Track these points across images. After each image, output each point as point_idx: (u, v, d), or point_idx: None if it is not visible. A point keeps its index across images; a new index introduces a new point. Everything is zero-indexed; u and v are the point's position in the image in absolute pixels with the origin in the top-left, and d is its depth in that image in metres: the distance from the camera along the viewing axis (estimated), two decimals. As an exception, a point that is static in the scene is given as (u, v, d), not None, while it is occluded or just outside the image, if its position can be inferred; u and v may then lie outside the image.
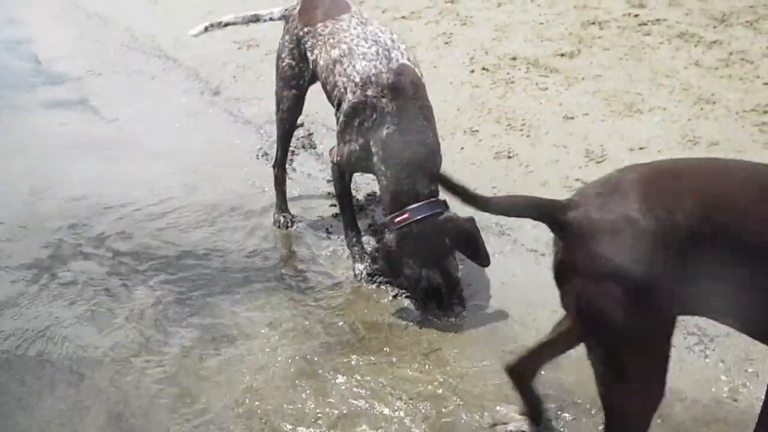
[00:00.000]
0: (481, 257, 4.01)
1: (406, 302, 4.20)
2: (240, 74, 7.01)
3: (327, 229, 4.88)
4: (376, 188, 4.36)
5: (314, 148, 5.75)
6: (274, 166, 4.99)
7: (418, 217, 3.90)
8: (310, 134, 5.93)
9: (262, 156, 5.75)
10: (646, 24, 6.90)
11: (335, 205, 5.02)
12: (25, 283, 4.53)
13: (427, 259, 3.99)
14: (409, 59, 4.14)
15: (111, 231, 5.03)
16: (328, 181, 5.30)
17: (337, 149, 4.28)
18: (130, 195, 5.42)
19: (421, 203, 3.92)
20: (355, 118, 4.08)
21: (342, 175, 4.36)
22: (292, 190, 5.25)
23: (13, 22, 9.32)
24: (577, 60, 6.38)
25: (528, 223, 4.55)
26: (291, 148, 5.62)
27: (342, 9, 4.43)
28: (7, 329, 4.15)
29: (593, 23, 6.99)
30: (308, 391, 3.63)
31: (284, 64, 4.63)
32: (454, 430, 3.40)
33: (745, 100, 5.52)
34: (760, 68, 5.93)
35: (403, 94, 3.98)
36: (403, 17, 7.39)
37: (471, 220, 4.01)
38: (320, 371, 3.76)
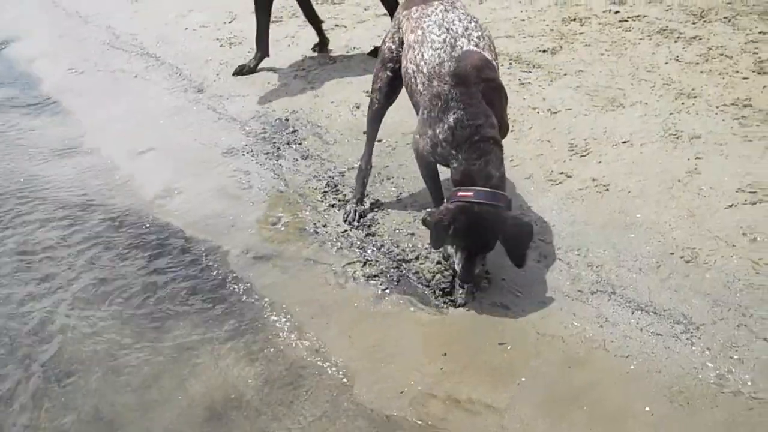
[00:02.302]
0: (520, 261, 3.97)
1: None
2: (223, 71, 7.00)
3: (314, 224, 4.89)
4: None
5: (300, 144, 5.75)
6: (360, 159, 4.95)
7: (481, 200, 3.89)
8: (295, 131, 5.93)
9: (248, 153, 5.74)
10: (626, 20, 6.96)
11: (323, 201, 5.07)
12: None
13: (468, 243, 3.95)
14: (477, 45, 4.14)
15: (95, 229, 5.04)
16: (315, 177, 5.33)
17: (415, 141, 4.28)
18: (111, 194, 5.44)
19: (490, 190, 3.91)
20: (425, 111, 4.12)
21: (425, 164, 4.32)
22: (278, 186, 5.27)
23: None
24: (559, 56, 6.43)
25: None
26: (276, 145, 5.66)
27: None
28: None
29: (574, 19, 7.04)
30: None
31: (385, 47, 4.66)
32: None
33: (724, 95, 5.59)
34: (739, 63, 6.00)
35: (466, 80, 3.99)
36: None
37: (530, 225, 4.05)
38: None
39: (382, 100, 4.73)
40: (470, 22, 4.27)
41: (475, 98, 3.97)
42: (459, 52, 4.08)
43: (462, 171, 3.96)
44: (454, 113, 3.97)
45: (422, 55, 4.18)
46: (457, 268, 4.03)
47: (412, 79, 4.26)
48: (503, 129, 4.18)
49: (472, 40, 4.16)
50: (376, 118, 4.81)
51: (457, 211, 3.90)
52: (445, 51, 4.10)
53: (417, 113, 4.32)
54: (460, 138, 3.95)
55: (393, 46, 4.60)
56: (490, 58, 4.17)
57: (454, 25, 4.21)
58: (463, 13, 4.34)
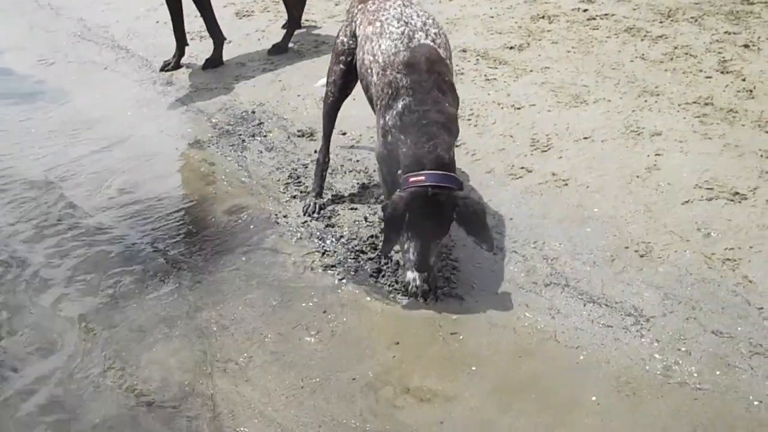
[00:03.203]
0: (487, 242, 3.93)
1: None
2: (192, 64, 7.01)
3: (276, 215, 4.91)
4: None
5: (265, 136, 5.77)
6: (318, 152, 4.97)
7: (434, 183, 3.84)
8: (261, 123, 5.96)
9: (213, 144, 5.76)
10: (594, 18, 7.02)
11: (285, 192, 5.09)
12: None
13: (423, 229, 3.92)
14: (434, 41, 4.16)
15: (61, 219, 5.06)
16: (278, 169, 5.36)
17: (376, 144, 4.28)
18: (80, 183, 5.45)
19: (440, 172, 3.86)
20: (378, 102, 4.13)
21: (384, 165, 4.26)
22: (241, 177, 5.29)
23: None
24: (526, 52, 6.48)
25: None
26: (242, 137, 5.68)
27: None
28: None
29: (543, 17, 7.10)
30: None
31: (338, 40, 4.70)
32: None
33: (687, 93, 5.66)
34: (702, 62, 6.07)
35: (417, 68, 4.00)
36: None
37: (483, 204, 4.04)
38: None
39: (336, 93, 4.74)
40: (428, 19, 4.31)
41: (425, 86, 3.98)
42: (415, 43, 4.11)
43: (411, 156, 3.91)
44: (402, 100, 3.98)
45: (380, 46, 4.20)
46: (412, 257, 3.99)
47: (368, 70, 4.28)
48: (454, 123, 4.12)
49: (430, 35, 4.19)
50: (331, 111, 4.83)
51: (410, 197, 3.84)
52: (402, 42, 4.13)
53: (373, 110, 4.33)
54: (408, 122, 3.94)
55: (345, 39, 4.64)
56: (444, 56, 4.19)
57: (412, 19, 4.25)
58: (420, 10, 4.38)
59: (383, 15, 4.32)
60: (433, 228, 3.94)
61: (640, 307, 3.94)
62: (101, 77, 7.20)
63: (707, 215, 4.46)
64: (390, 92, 4.04)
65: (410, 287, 4.10)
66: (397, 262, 4.32)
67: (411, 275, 4.07)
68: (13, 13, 8.94)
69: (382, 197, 4.46)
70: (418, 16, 4.29)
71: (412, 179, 3.87)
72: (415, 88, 3.98)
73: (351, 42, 4.59)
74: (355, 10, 4.62)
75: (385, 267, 4.35)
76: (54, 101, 6.78)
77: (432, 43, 4.16)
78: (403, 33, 4.16)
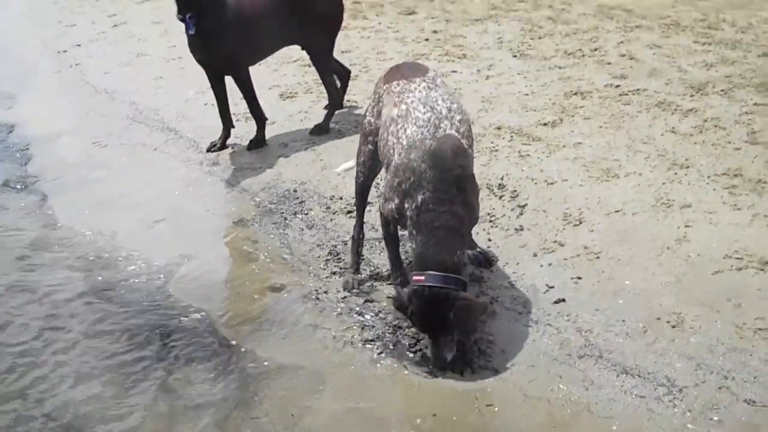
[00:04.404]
0: (465, 335, 4.18)
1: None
2: (237, 145, 7.24)
3: (316, 291, 5.04)
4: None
5: (306, 214, 5.93)
6: (354, 227, 5.13)
7: (433, 284, 4.02)
8: (302, 201, 6.13)
9: (257, 222, 5.95)
10: (626, 94, 7.15)
11: (325, 268, 5.23)
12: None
13: (425, 327, 4.16)
14: (458, 130, 4.30)
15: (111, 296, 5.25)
16: (318, 246, 5.50)
17: (382, 205, 4.45)
18: (129, 257, 5.68)
19: (441, 274, 4.03)
20: (395, 179, 4.25)
21: (387, 225, 4.57)
22: (283, 254, 5.45)
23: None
24: (559, 128, 6.61)
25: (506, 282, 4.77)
26: (284, 215, 5.85)
27: (420, 73, 4.67)
28: None
29: (576, 93, 7.25)
30: None
31: (365, 121, 4.84)
32: None
33: (716, 165, 5.74)
34: (732, 134, 6.16)
35: (441, 163, 4.13)
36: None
37: (486, 304, 4.27)
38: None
39: (366, 173, 4.89)
40: (453, 104, 4.42)
41: (446, 183, 4.11)
42: (441, 133, 4.23)
43: (418, 254, 4.12)
44: (423, 194, 4.10)
45: (405, 130, 4.30)
46: (428, 353, 4.22)
47: (391, 150, 4.38)
48: (471, 215, 4.30)
49: (454, 124, 4.31)
50: (362, 190, 4.98)
51: (411, 295, 4.07)
52: (428, 130, 4.24)
53: (386, 169, 4.46)
54: (423, 221, 4.09)
55: (372, 120, 4.76)
56: (466, 145, 4.32)
57: (438, 104, 4.37)
58: (445, 93, 4.50)
59: (408, 98, 4.44)
60: (434, 325, 4.10)
61: (672, 377, 3.99)
62: (151, 158, 7.44)
63: (737, 285, 4.52)
64: (412, 179, 4.15)
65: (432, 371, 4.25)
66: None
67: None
68: (72, 98, 9.28)
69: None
70: (443, 100, 4.40)
71: (415, 278, 4.08)
72: (436, 184, 4.10)
73: (378, 122, 4.69)
74: (381, 90, 4.74)
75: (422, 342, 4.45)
76: (106, 181, 7.03)
77: (457, 133, 4.28)
78: (429, 120, 4.27)
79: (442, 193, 4.10)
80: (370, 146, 4.79)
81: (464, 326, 4.09)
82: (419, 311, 4.07)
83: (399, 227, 4.57)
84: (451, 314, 4.00)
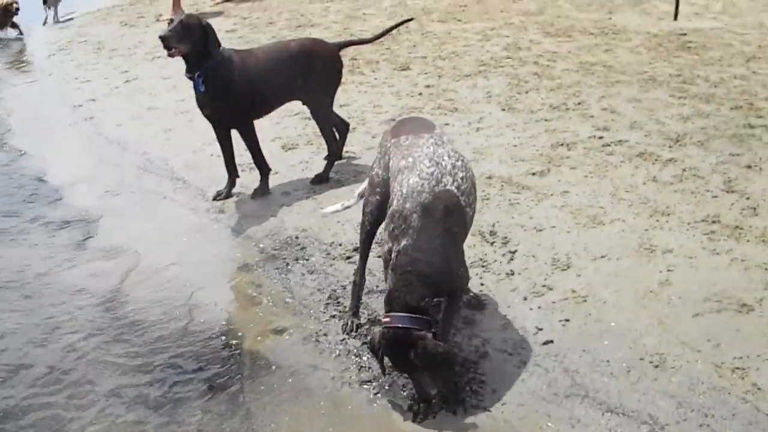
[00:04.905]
0: (444, 385, 4.18)
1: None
2: (243, 194, 7.27)
3: (316, 333, 5.04)
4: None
5: (307, 260, 5.95)
6: (354, 273, 5.11)
7: (398, 325, 4.01)
8: (304, 248, 6.14)
9: (260, 268, 5.96)
10: (609, 145, 7.20)
11: (325, 312, 5.23)
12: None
13: (394, 365, 4.18)
14: (458, 187, 4.27)
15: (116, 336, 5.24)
16: (319, 290, 5.51)
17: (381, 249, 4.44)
18: (136, 299, 5.71)
19: (405, 314, 4.01)
20: (390, 224, 4.24)
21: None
22: (285, 297, 5.45)
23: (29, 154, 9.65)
24: (547, 178, 6.65)
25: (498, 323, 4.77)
26: (286, 261, 5.86)
27: (427, 129, 4.70)
28: None
29: (562, 144, 7.29)
30: None
31: (373, 173, 4.82)
32: None
33: (696, 212, 5.77)
34: (709, 183, 6.20)
35: (432, 215, 4.12)
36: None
37: (447, 348, 4.15)
38: None
39: (372, 222, 4.84)
40: (458, 161, 4.40)
41: (431, 234, 4.09)
42: (441, 188, 4.21)
43: (387, 295, 4.12)
44: (406, 240, 4.09)
45: (408, 180, 4.29)
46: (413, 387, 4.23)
47: (393, 198, 4.38)
48: (456, 271, 4.29)
49: (456, 180, 4.29)
50: (367, 239, 4.94)
51: (381, 337, 4.08)
52: (428, 183, 4.22)
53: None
54: (398, 263, 4.08)
55: (380, 172, 4.74)
56: (464, 202, 4.31)
57: (443, 160, 4.34)
58: (452, 150, 4.48)
59: (416, 152, 4.43)
60: (400, 363, 4.11)
61: (655, 415, 3.98)
62: (160, 206, 7.46)
63: (716, 327, 4.53)
64: (402, 226, 4.14)
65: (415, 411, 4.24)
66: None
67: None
68: (85, 149, 9.30)
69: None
70: (449, 157, 4.38)
71: (384, 319, 4.10)
72: (420, 233, 4.09)
73: (385, 174, 4.68)
74: (388, 144, 4.74)
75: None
76: (118, 228, 7.05)
77: (456, 190, 4.26)
78: (432, 174, 4.25)
79: (424, 243, 4.08)
80: (377, 197, 4.74)
81: (427, 365, 4.04)
82: (386, 350, 4.08)
83: None
84: (412, 353, 3.98)
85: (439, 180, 4.25)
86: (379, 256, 4.60)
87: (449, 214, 4.18)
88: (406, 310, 4.03)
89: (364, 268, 5.05)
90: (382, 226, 4.50)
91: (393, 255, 4.15)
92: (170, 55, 6.48)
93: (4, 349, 5.10)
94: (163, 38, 6.36)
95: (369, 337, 4.28)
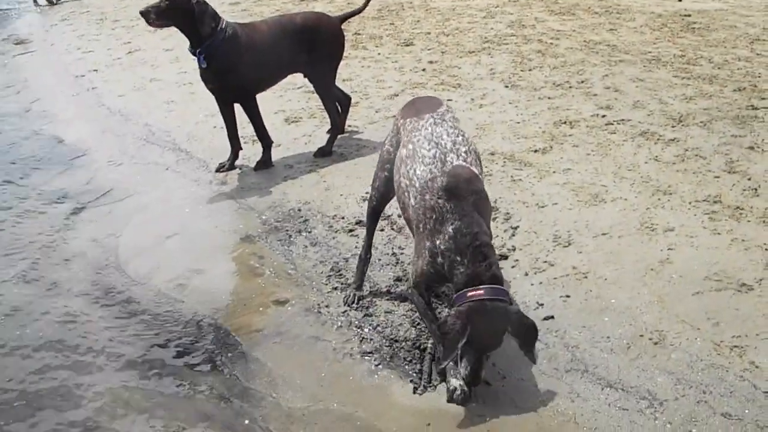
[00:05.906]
0: (533, 354, 3.94)
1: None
2: (245, 166, 7.26)
3: (318, 305, 5.05)
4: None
5: (309, 232, 5.95)
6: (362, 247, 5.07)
7: (492, 297, 3.84)
8: (306, 220, 6.15)
9: (262, 239, 5.96)
10: (612, 124, 7.19)
11: (327, 284, 5.24)
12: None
13: (482, 342, 3.89)
14: (465, 160, 4.18)
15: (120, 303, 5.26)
16: (321, 263, 5.52)
17: (411, 276, 4.25)
18: (137, 268, 5.74)
19: (499, 287, 3.89)
20: (419, 224, 4.10)
21: (420, 297, 4.25)
22: (287, 269, 5.47)
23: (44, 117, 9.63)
24: (549, 155, 6.64)
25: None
26: (288, 233, 5.87)
27: (431, 108, 4.56)
28: None
29: (564, 122, 7.28)
30: None
31: (384, 149, 4.75)
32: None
33: (697, 192, 5.77)
34: (711, 163, 6.19)
35: (457, 193, 4.01)
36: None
37: (532, 321, 3.97)
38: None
39: (379, 198, 4.81)
40: (458, 136, 4.32)
41: (468, 209, 3.98)
42: (449, 167, 4.14)
43: (469, 274, 3.89)
44: (451, 224, 3.95)
45: (414, 171, 4.21)
46: (464, 372, 3.92)
47: (405, 193, 4.27)
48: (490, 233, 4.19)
49: (461, 155, 4.22)
50: (374, 214, 4.93)
51: (471, 312, 3.81)
52: (436, 166, 4.14)
53: (411, 231, 4.33)
54: (462, 245, 3.91)
55: (391, 149, 4.67)
56: (476, 171, 4.21)
57: (442, 139, 4.26)
58: (451, 126, 4.39)
59: (415, 137, 4.34)
60: (489, 340, 3.90)
61: (653, 391, 4.00)
62: (163, 177, 7.46)
63: (716, 305, 4.54)
64: (434, 216, 4.01)
65: (455, 395, 3.97)
66: (424, 349, 4.46)
67: (455, 382, 3.98)
68: (88, 119, 9.31)
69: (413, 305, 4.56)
70: (447, 134, 4.30)
71: (470, 293, 3.85)
72: (459, 213, 3.96)
73: (395, 152, 4.60)
74: (399, 124, 4.66)
75: (419, 357, 4.45)
76: (120, 197, 7.05)
77: (464, 162, 4.19)
78: (434, 156, 4.18)
79: (469, 217, 3.96)
80: (386, 173, 4.69)
81: (525, 342, 3.90)
82: (477, 326, 3.80)
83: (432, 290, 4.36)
84: (510, 329, 3.85)
85: (444, 160, 4.18)
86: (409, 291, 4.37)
87: (470, 183, 4.09)
88: (495, 283, 3.89)
89: (370, 242, 5.04)
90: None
91: (444, 246, 3.96)
92: (151, 26, 6.52)
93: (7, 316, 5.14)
94: (142, 13, 6.38)
95: (443, 320, 3.92)
